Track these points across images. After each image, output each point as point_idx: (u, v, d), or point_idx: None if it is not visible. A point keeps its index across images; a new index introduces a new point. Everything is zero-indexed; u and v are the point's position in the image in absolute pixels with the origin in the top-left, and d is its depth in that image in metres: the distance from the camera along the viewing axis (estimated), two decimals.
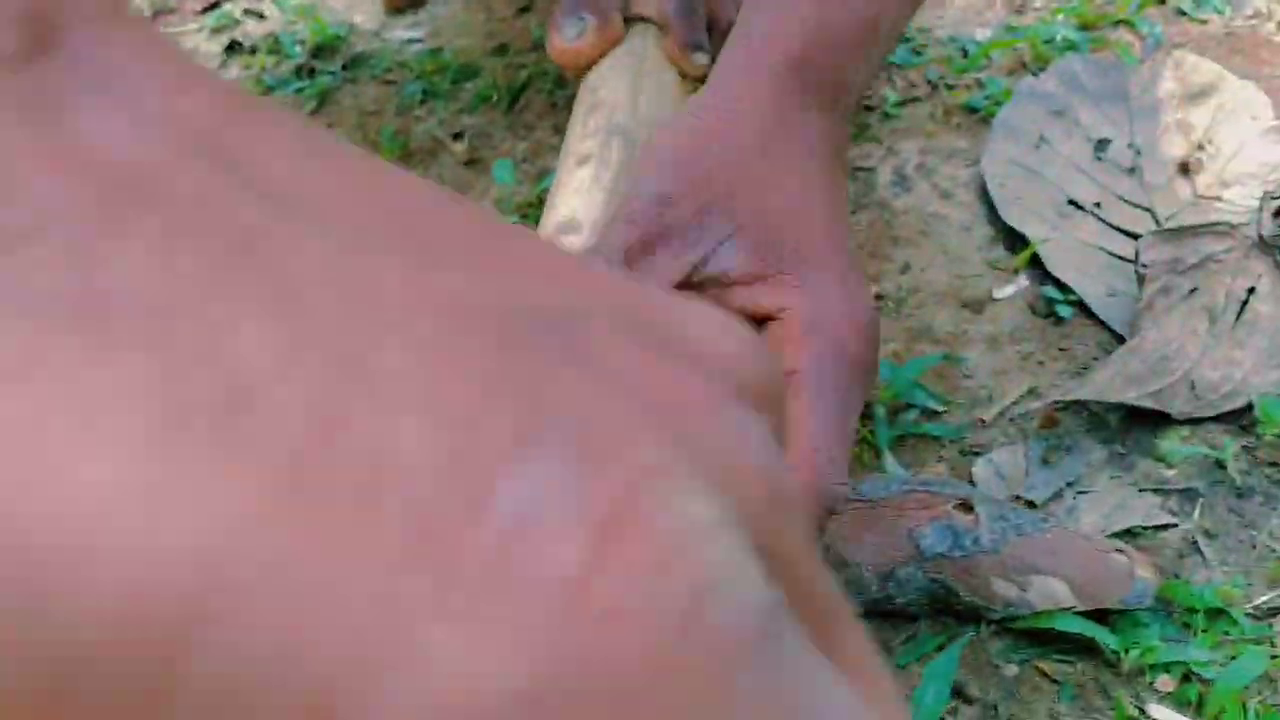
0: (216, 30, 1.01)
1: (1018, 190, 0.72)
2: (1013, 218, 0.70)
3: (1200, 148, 0.72)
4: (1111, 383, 0.58)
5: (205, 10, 1.04)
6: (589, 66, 0.67)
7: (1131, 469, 0.57)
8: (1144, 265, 0.62)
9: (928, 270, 0.69)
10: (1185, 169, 0.72)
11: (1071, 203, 0.71)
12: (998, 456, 0.57)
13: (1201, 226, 0.65)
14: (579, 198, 0.60)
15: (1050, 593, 0.48)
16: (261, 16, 1.02)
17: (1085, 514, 0.55)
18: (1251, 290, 0.62)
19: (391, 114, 0.88)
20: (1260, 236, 0.63)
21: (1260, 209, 0.64)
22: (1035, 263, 0.68)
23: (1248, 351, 0.59)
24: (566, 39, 0.66)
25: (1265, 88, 0.76)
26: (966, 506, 0.50)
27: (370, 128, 0.87)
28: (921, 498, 0.50)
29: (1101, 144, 0.75)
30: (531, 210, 0.76)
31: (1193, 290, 0.62)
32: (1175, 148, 0.73)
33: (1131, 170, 0.73)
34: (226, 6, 1.03)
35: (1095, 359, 0.62)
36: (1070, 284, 0.66)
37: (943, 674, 0.46)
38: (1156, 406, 0.57)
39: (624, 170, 0.61)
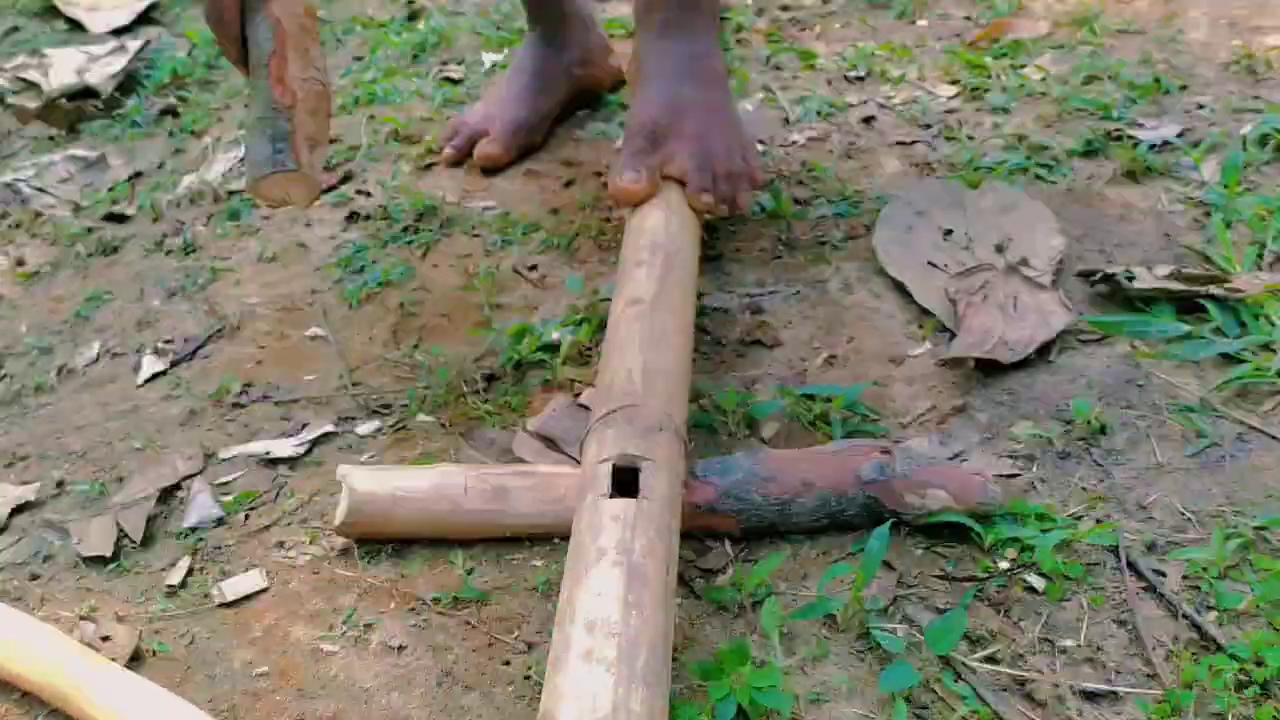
0: (336, 205, 1.35)
1: (898, 255, 1.10)
2: (892, 269, 1.08)
3: (1010, 238, 1.10)
4: (962, 345, 0.95)
5: (325, 192, 1.38)
6: (635, 204, 1.02)
7: (994, 443, 0.89)
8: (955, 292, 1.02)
9: (865, 340, 1.03)
10: (999, 249, 1.10)
11: (930, 263, 1.08)
12: (913, 443, 0.90)
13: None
14: (640, 286, 0.93)
15: (939, 499, 0.80)
16: (369, 194, 1.37)
17: None
18: (1015, 297, 1.01)
19: (480, 256, 1.22)
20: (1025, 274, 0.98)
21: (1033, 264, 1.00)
22: (938, 331, 1.02)
23: (1025, 324, 0.98)
24: (627, 181, 1.02)
25: (1048, 205, 1.13)
26: (886, 452, 0.82)
27: (466, 267, 1.21)
28: (860, 449, 0.82)
29: (947, 233, 1.13)
30: (596, 306, 1.09)
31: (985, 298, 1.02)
32: (992, 236, 1.12)
33: (966, 247, 1.10)
34: (342, 189, 1.38)
35: (972, 386, 0.95)
36: (930, 308, 1.03)
37: (880, 545, 0.77)
38: (991, 356, 0.95)
39: (666, 269, 0.95)
